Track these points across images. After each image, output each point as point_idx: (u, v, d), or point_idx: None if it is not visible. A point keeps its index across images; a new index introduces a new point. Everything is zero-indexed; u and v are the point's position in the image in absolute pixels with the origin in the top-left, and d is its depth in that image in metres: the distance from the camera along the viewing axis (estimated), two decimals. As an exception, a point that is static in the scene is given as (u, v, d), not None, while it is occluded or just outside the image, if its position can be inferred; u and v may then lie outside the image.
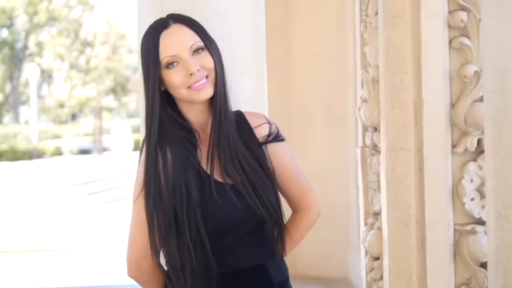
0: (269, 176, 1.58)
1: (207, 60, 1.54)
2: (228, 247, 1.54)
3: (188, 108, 1.58)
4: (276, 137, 1.63)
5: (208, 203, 1.51)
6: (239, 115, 1.64)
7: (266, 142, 1.61)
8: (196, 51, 1.54)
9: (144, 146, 1.58)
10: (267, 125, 1.63)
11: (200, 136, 1.59)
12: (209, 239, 1.50)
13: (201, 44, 1.54)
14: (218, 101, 1.56)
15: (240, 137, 1.59)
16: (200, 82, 1.53)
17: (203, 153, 1.56)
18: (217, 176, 1.54)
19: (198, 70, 1.52)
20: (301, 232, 1.70)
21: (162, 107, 1.56)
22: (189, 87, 1.53)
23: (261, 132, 1.62)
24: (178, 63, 1.53)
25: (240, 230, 1.53)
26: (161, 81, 1.55)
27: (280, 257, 1.62)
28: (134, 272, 1.57)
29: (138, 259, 1.55)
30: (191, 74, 1.52)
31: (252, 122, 1.63)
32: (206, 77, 1.54)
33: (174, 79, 1.53)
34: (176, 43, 1.53)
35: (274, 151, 1.62)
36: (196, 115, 1.59)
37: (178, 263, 1.51)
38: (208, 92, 1.54)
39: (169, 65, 1.53)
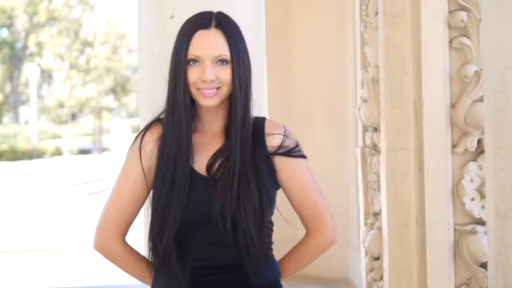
0: (262, 191, 1.56)
1: (226, 74, 1.58)
2: (204, 241, 1.55)
3: (202, 108, 1.63)
4: (289, 152, 1.61)
5: (188, 196, 1.54)
6: (259, 121, 1.66)
7: (275, 153, 1.60)
8: (220, 61, 1.58)
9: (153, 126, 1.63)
10: (280, 136, 1.62)
11: (207, 134, 1.64)
12: (184, 231, 1.54)
13: (227, 58, 1.58)
14: (236, 114, 1.59)
15: (251, 145, 1.60)
16: (209, 91, 1.57)
17: (204, 150, 1.61)
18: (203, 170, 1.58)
19: (212, 81, 1.57)
20: (307, 255, 1.69)
21: (186, 98, 1.59)
22: (198, 89, 1.58)
23: (271, 141, 1.62)
24: (199, 63, 1.58)
25: (217, 226, 1.52)
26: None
27: (266, 260, 1.60)
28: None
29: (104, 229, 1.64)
30: (203, 81, 1.57)
31: (268, 129, 1.64)
32: (218, 88, 1.58)
33: (190, 75, 1.58)
34: (205, 47, 1.58)
35: (284, 164, 1.61)
36: (209, 115, 1.63)
37: (152, 249, 1.58)
38: (213, 102, 1.58)
39: (191, 61, 1.58)
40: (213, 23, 1.61)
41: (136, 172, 1.60)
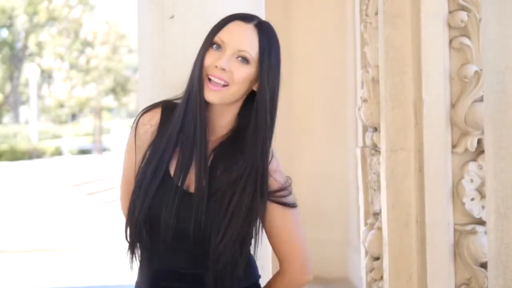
0: (249, 221, 1.50)
1: (240, 72, 1.49)
2: (168, 246, 1.51)
3: (213, 106, 1.54)
4: (284, 203, 1.54)
5: (160, 203, 1.50)
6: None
7: (270, 197, 1.53)
8: (241, 58, 1.49)
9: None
10: (279, 185, 1.54)
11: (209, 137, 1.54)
12: (149, 233, 1.51)
13: (249, 57, 1.49)
14: (262, 119, 1.53)
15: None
16: (217, 81, 1.48)
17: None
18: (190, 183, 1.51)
19: (223, 70, 1.47)
20: None
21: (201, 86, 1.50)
22: (209, 77, 1.49)
23: (271, 183, 1.53)
24: (221, 50, 1.50)
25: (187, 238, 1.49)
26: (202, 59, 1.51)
27: (236, 274, 1.51)
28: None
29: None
30: (216, 66, 1.48)
31: (271, 169, 1.54)
32: (226, 86, 1.48)
33: (207, 57, 1.50)
34: (234, 36, 1.50)
35: (274, 210, 1.54)
36: (216, 112, 1.55)
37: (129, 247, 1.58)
38: (215, 98, 1.49)
39: (215, 45, 1.50)
40: (255, 22, 1.54)
41: (131, 152, 1.57)
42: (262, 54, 1.51)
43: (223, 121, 1.56)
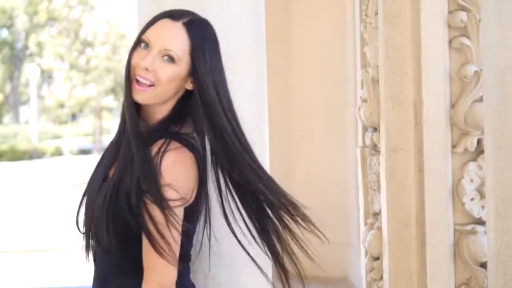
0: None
1: (165, 71, 1.45)
2: (95, 251, 1.53)
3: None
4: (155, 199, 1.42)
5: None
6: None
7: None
8: (167, 57, 1.45)
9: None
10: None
11: None
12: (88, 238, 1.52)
13: (175, 56, 1.45)
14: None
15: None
16: (143, 81, 1.44)
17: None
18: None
19: (147, 69, 1.44)
20: None
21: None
22: (136, 77, 1.45)
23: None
24: (148, 49, 1.46)
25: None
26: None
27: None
28: None
29: None
30: (140, 66, 1.45)
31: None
32: (151, 86, 1.44)
33: (134, 56, 1.47)
34: (160, 35, 1.47)
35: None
36: (150, 108, 1.51)
37: None
38: (142, 98, 1.46)
39: (143, 44, 1.48)
40: (185, 19, 1.49)
41: None
42: (194, 52, 1.46)
43: (155, 118, 1.51)
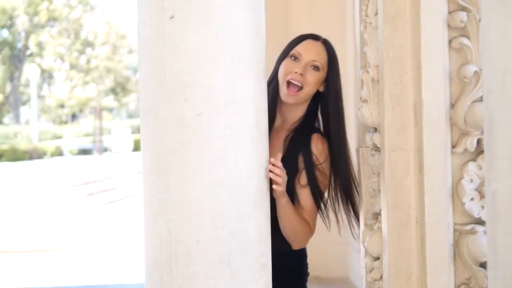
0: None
1: (313, 77, 2.04)
2: None
3: (284, 103, 2.09)
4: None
5: None
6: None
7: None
8: (314, 67, 2.06)
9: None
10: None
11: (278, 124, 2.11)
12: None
13: (321, 65, 2.06)
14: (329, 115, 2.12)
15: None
16: (295, 83, 2.02)
17: (272, 138, 2.02)
18: None
19: (301, 75, 2.02)
20: None
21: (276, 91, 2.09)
22: (288, 82, 2.02)
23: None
24: (297, 61, 2.05)
25: None
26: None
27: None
28: None
29: None
30: (295, 72, 2.01)
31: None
32: (300, 89, 2.02)
33: (286, 66, 2.05)
34: (309, 50, 2.06)
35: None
36: (287, 109, 2.10)
37: None
38: (291, 99, 2.04)
39: (292, 56, 2.06)
40: (322, 39, 2.13)
41: None
42: (330, 63, 2.08)
43: (293, 116, 2.09)
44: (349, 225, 2.22)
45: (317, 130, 2.11)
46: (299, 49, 2.06)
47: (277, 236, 1.96)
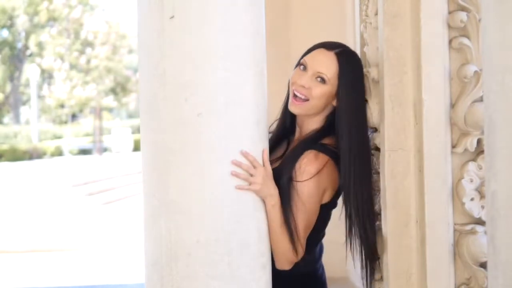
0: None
1: (317, 90, 1.90)
2: None
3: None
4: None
5: None
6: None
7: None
8: (320, 79, 1.91)
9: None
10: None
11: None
12: None
13: (326, 78, 1.90)
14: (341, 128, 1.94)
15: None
16: (299, 95, 1.91)
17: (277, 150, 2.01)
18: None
19: (303, 87, 1.90)
20: None
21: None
22: (293, 92, 1.92)
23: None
24: (305, 70, 1.93)
25: None
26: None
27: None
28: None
29: None
30: (299, 84, 1.91)
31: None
32: (306, 100, 1.90)
33: (293, 75, 1.96)
34: (316, 61, 1.92)
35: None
36: (306, 118, 1.99)
37: None
38: (296, 109, 1.93)
39: (301, 65, 1.95)
40: (337, 50, 1.94)
41: None
42: (341, 77, 1.90)
43: (307, 128, 1.98)
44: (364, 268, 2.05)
45: (319, 147, 1.89)
46: (307, 58, 1.94)
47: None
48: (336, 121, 1.91)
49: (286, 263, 1.86)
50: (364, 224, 1.95)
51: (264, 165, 1.80)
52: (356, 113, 1.94)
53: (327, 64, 1.91)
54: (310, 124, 1.97)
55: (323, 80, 1.90)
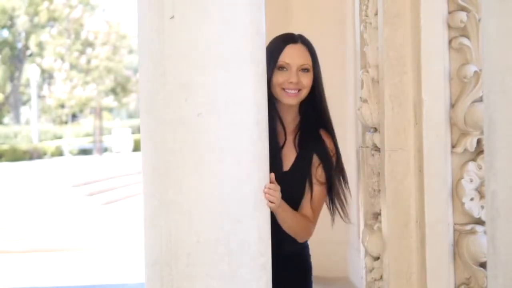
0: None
1: (307, 79, 2.08)
2: None
3: (281, 108, 2.12)
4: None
5: None
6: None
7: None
8: (303, 70, 2.08)
9: None
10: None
11: (285, 132, 2.13)
12: None
13: (309, 67, 2.09)
14: (314, 108, 2.16)
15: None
16: (292, 91, 2.06)
17: (284, 147, 2.12)
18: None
19: (296, 83, 2.06)
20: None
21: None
22: (283, 89, 2.06)
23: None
24: (287, 69, 2.07)
25: None
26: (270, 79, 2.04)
27: None
28: None
29: None
30: (290, 82, 2.05)
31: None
32: (299, 90, 2.07)
33: (278, 78, 2.07)
34: (294, 56, 2.08)
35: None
36: (284, 112, 2.13)
37: None
38: (293, 101, 2.08)
39: (281, 67, 2.08)
40: (299, 40, 2.13)
41: None
42: (313, 61, 2.11)
43: (291, 118, 2.14)
44: (340, 212, 2.22)
45: (321, 126, 2.17)
46: (284, 58, 2.07)
47: (287, 236, 2.08)
48: (317, 98, 2.15)
49: (308, 235, 2.14)
50: (343, 171, 2.19)
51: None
52: (323, 89, 2.21)
53: (304, 55, 2.09)
54: (291, 113, 2.14)
55: (306, 70, 2.08)
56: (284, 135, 2.13)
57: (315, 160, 2.11)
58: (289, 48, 2.09)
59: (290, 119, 2.14)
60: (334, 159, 2.14)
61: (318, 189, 2.11)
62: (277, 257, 1.96)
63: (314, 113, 2.16)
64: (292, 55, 2.08)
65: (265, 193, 1.86)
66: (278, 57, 2.07)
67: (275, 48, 2.09)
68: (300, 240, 2.14)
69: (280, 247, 2.02)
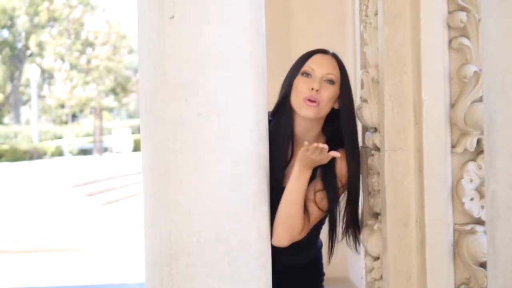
0: None
1: (328, 91, 1.96)
2: None
3: (295, 120, 2.00)
4: None
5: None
6: None
7: None
8: (327, 81, 1.97)
9: None
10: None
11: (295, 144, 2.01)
12: None
13: (335, 79, 1.98)
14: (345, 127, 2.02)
15: None
16: (311, 103, 1.93)
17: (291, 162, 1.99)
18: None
19: (317, 91, 1.93)
20: None
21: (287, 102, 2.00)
22: (304, 99, 1.94)
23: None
24: (311, 76, 1.97)
25: None
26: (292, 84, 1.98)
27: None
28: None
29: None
30: (312, 89, 1.93)
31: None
32: (318, 104, 1.93)
33: (300, 85, 1.96)
34: (321, 64, 1.98)
35: None
36: (298, 126, 2.01)
37: None
38: (310, 113, 1.95)
39: (305, 73, 1.98)
40: (331, 53, 2.05)
41: None
42: (342, 77, 2.01)
43: (310, 135, 2.01)
44: (354, 242, 2.25)
45: (342, 145, 2.03)
46: (310, 64, 1.98)
47: (302, 251, 2.08)
48: (342, 121, 2.00)
49: (288, 238, 1.93)
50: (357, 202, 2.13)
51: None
52: (354, 114, 2.07)
53: (332, 65, 2.00)
54: (312, 130, 2.02)
55: (331, 82, 1.98)
56: (292, 149, 2.02)
57: (318, 184, 1.98)
58: (317, 56, 2.01)
59: (302, 133, 2.02)
60: (341, 190, 2.02)
61: (315, 212, 1.99)
62: (294, 266, 2.02)
63: (337, 134, 2.02)
64: (318, 62, 1.99)
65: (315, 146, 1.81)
66: (304, 63, 1.99)
67: (304, 56, 2.02)
68: (277, 240, 1.93)
69: (299, 255, 2.04)
